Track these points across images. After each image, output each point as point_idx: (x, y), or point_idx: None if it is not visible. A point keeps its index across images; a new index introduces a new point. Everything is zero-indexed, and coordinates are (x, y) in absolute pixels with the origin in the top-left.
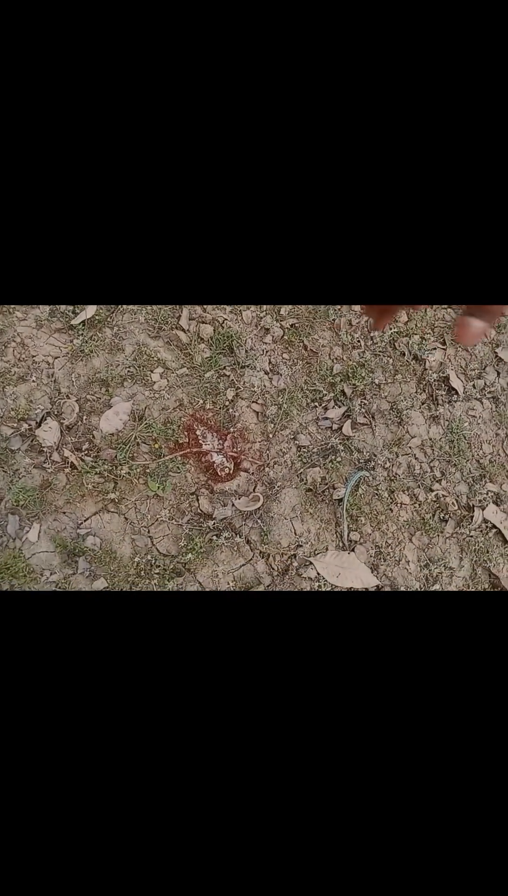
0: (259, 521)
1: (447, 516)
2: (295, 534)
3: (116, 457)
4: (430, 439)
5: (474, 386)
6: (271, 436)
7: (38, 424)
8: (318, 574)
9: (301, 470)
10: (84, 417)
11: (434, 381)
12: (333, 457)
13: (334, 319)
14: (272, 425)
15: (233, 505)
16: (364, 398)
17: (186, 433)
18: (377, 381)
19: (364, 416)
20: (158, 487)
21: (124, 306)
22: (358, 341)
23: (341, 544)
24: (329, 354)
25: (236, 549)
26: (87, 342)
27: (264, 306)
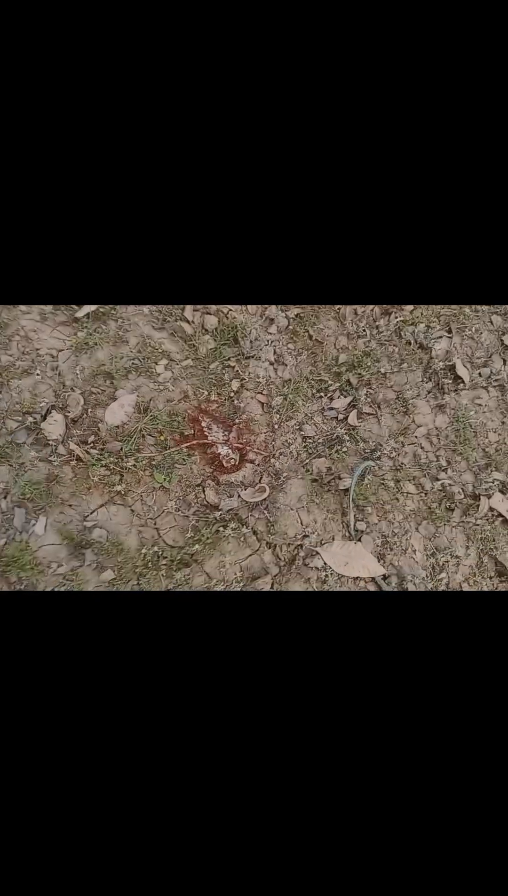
0: (265, 511)
1: (453, 505)
2: (302, 524)
3: (121, 449)
4: (436, 428)
5: (480, 374)
6: (276, 427)
7: (44, 417)
8: (325, 564)
9: (307, 460)
10: (89, 410)
11: (440, 369)
12: (339, 447)
13: (339, 309)
14: (278, 416)
15: (239, 496)
16: (370, 388)
17: (191, 425)
18: (382, 370)
19: (370, 406)
20: (164, 479)
21: None
22: (364, 330)
23: (347, 534)
24: (335, 344)
25: (242, 539)
26: (91, 335)
27: None
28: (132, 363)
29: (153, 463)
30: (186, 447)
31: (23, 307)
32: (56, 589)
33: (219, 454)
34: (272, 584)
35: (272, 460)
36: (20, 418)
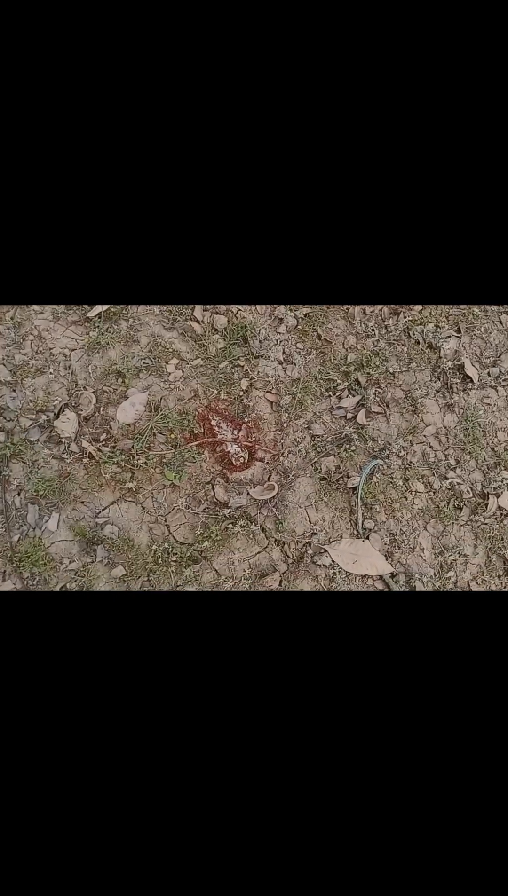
0: (274, 509)
1: (461, 504)
2: (310, 522)
3: (132, 447)
4: (445, 427)
5: (489, 374)
6: (285, 425)
7: (57, 416)
8: (333, 561)
9: (316, 459)
10: (101, 408)
11: (449, 369)
12: (347, 446)
13: (347, 308)
14: (287, 415)
15: (248, 494)
16: (379, 387)
17: (201, 423)
18: (391, 369)
19: (379, 405)
20: (175, 477)
21: None
22: (372, 330)
23: (355, 532)
24: (343, 343)
25: (251, 536)
26: (103, 334)
27: None
28: (143, 362)
29: (164, 461)
30: (196, 445)
31: (36, 307)
32: (67, 584)
33: (228, 452)
34: (281, 582)
35: (281, 458)
36: (34, 416)
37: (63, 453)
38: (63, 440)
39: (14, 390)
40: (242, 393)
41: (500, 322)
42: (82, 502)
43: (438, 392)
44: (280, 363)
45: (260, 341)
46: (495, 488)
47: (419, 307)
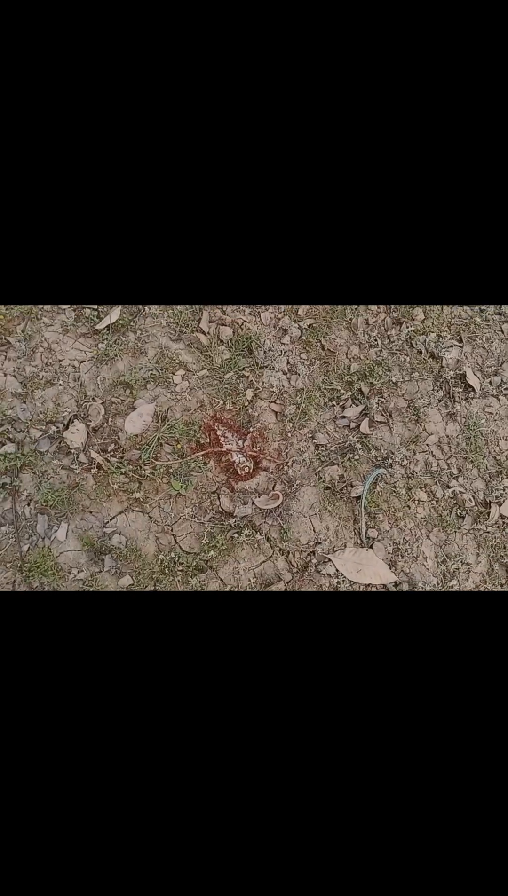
0: (279, 518)
1: (464, 513)
2: (314, 531)
3: (140, 457)
4: (447, 436)
5: (490, 383)
6: (289, 435)
7: (66, 427)
8: (337, 570)
9: (320, 468)
10: (109, 419)
11: (451, 378)
12: (351, 455)
13: (350, 319)
14: (291, 425)
15: (253, 503)
16: (381, 396)
17: (207, 433)
18: (394, 379)
19: (382, 415)
20: (181, 487)
21: (147, 310)
22: (375, 340)
23: (359, 541)
24: (346, 354)
25: (256, 546)
26: (111, 346)
27: (282, 307)
28: (150, 373)
29: (170, 471)
30: (202, 455)
31: (46, 319)
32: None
33: (233, 462)
34: (286, 591)
35: (285, 468)
36: (43, 427)
37: (72, 464)
38: (72, 451)
39: (24, 402)
40: (247, 403)
41: (502, 331)
42: (91, 512)
43: (440, 401)
44: (284, 373)
45: (265, 352)
46: (497, 497)
47: (421, 317)
